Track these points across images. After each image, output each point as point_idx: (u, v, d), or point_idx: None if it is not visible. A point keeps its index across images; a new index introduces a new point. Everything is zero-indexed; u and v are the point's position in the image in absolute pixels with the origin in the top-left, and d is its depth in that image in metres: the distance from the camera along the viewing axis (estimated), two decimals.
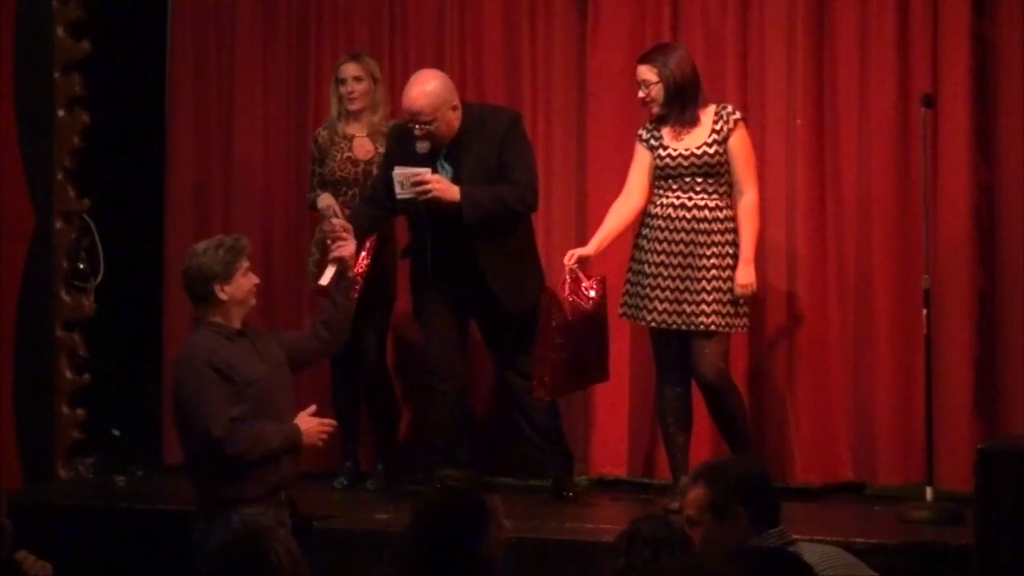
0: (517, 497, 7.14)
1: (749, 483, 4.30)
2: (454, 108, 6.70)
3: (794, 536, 4.34)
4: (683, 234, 6.55)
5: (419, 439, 7.59)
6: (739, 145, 6.55)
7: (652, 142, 6.61)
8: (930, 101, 6.64)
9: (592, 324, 6.58)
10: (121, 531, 6.82)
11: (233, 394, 5.50)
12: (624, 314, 6.74)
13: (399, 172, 6.62)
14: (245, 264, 5.62)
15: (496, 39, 7.62)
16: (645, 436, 7.35)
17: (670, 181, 6.58)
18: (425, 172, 6.60)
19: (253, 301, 5.71)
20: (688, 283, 6.54)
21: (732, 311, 6.55)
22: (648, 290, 6.59)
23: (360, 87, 7.26)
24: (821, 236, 7.16)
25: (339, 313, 5.95)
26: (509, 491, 7.24)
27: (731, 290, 6.55)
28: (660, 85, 6.53)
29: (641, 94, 6.60)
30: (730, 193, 6.59)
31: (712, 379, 6.55)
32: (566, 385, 6.74)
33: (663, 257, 6.58)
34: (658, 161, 6.60)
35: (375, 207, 6.86)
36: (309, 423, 5.68)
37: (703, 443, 7.01)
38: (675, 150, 6.55)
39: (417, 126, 6.65)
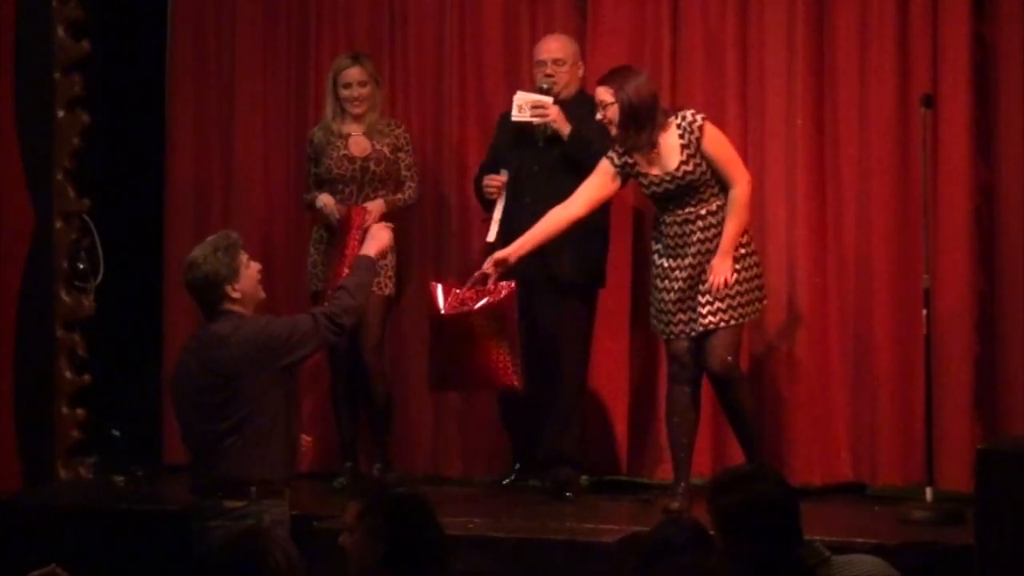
0: (517, 497, 7.16)
1: (753, 510, 4.13)
2: (580, 68, 7.16)
3: (828, 553, 4.17)
4: (697, 245, 6.52)
5: (416, 440, 7.60)
6: (711, 146, 6.50)
7: (626, 169, 6.59)
8: (930, 101, 6.64)
9: (478, 327, 6.47)
10: (121, 531, 6.81)
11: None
12: (653, 327, 6.71)
13: (520, 96, 7.00)
14: (244, 257, 5.64)
15: (496, 39, 7.62)
16: (645, 436, 7.35)
17: (666, 203, 6.57)
18: (547, 100, 6.93)
19: (262, 292, 5.71)
20: (699, 287, 6.51)
21: (734, 303, 6.49)
22: (667, 304, 6.58)
23: (364, 91, 7.28)
24: (821, 236, 7.16)
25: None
26: (509, 491, 7.30)
27: (728, 284, 6.51)
28: (615, 107, 6.51)
29: (599, 115, 6.58)
30: (727, 191, 6.55)
31: (719, 371, 6.52)
32: (446, 381, 6.67)
33: (677, 272, 6.55)
34: (645, 190, 6.61)
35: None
36: (374, 232, 5.80)
37: (703, 445, 7.01)
38: (656, 176, 6.53)
39: (549, 64, 7.03)
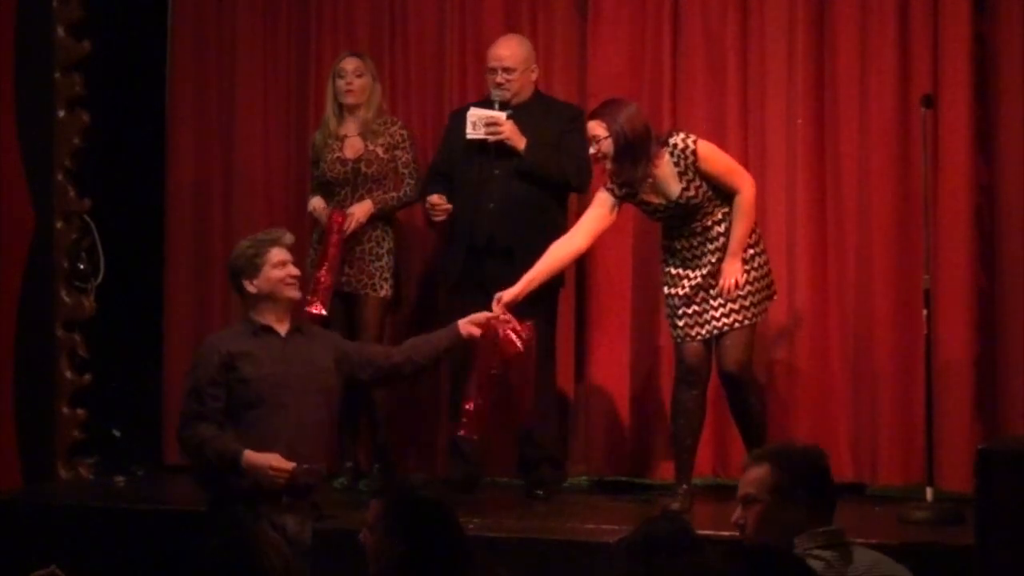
0: (517, 497, 7.16)
1: (816, 470, 4.26)
2: (533, 72, 7.13)
3: (847, 539, 4.23)
4: (711, 255, 6.50)
5: (416, 440, 7.59)
6: (707, 164, 6.44)
7: (627, 199, 6.52)
8: (930, 101, 6.63)
9: (512, 368, 6.50)
10: (121, 531, 6.81)
11: (224, 385, 5.62)
12: (676, 336, 6.64)
13: (474, 112, 6.99)
14: (275, 257, 5.69)
15: (496, 39, 7.61)
16: (645, 436, 7.35)
17: (671, 222, 6.55)
18: (500, 115, 6.94)
19: (289, 294, 5.75)
20: (710, 290, 6.50)
21: (747, 303, 6.48)
22: (676, 307, 6.56)
23: (359, 81, 7.27)
24: (821, 236, 7.16)
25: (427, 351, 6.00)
26: (508, 491, 7.30)
27: (740, 285, 6.50)
28: (610, 140, 6.45)
29: (592, 150, 6.51)
30: (731, 199, 6.53)
31: (734, 371, 6.50)
32: (487, 427, 6.52)
33: (686, 280, 6.53)
34: (649, 216, 6.60)
35: (434, 191, 7.14)
36: (264, 458, 5.56)
37: (705, 446, 7.00)
38: (659, 203, 6.49)
39: (500, 72, 6.99)
